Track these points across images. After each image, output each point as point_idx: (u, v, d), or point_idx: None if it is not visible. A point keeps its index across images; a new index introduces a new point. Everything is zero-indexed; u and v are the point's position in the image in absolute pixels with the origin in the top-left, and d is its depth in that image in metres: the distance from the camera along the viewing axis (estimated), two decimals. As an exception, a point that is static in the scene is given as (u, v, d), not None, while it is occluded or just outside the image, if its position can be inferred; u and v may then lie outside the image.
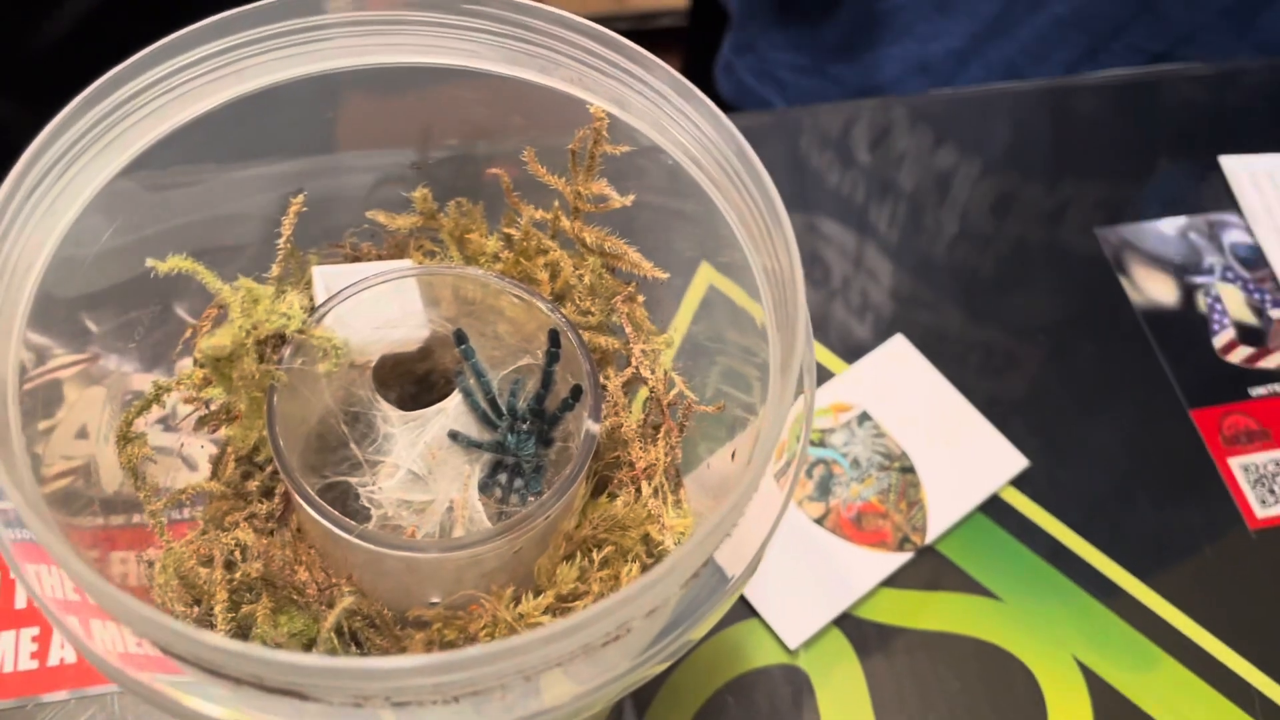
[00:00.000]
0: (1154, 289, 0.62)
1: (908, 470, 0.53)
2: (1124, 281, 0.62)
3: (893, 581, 0.52)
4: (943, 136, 0.67)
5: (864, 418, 0.54)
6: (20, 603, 0.48)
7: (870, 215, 0.63)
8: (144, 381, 0.42)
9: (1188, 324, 0.61)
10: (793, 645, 0.49)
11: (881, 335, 0.58)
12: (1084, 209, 0.65)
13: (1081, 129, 0.69)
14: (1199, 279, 0.63)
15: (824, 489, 0.52)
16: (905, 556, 0.51)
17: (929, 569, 0.52)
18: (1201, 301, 0.62)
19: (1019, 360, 0.59)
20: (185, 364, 0.42)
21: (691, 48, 1.00)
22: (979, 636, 0.52)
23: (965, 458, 0.54)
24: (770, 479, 0.30)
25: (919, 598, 0.52)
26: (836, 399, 0.55)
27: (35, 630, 0.48)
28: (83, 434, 0.39)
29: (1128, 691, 0.50)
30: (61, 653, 0.48)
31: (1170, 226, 0.65)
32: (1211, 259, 0.64)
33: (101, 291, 0.37)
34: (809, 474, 0.52)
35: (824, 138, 0.66)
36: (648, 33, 1.14)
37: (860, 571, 0.51)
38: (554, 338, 0.34)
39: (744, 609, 0.50)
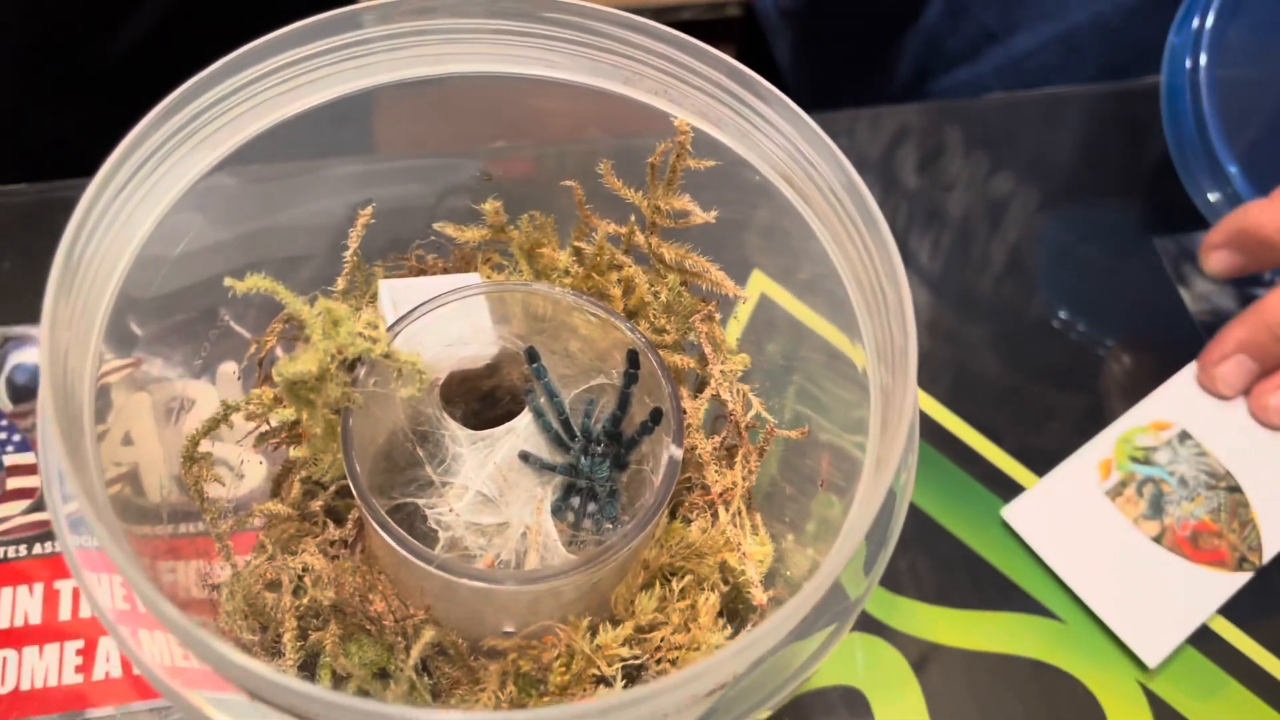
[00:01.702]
0: (1214, 300, 0.61)
1: (1234, 490, 0.53)
2: (1184, 293, 0.61)
3: (951, 601, 0.51)
4: (995, 141, 0.65)
5: (1184, 436, 0.54)
6: (65, 615, 0.48)
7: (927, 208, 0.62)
8: (187, 387, 0.41)
9: (1249, 337, 0.60)
10: (1151, 663, 0.49)
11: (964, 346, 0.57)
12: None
13: (1137, 134, 0.68)
14: (1259, 290, 0.61)
15: (1156, 507, 0.52)
16: (1245, 576, 0.51)
17: (985, 588, 0.51)
18: (1263, 314, 0.61)
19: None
20: (225, 368, 0.41)
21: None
22: (1040, 658, 0.50)
23: None
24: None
25: (976, 617, 0.51)
26: (1155, 417, 0.55)
27: (80, 643, 0.47)
28: (128, 440, 0.38)
29: (1193, 717, 0.49)
30: (106, 666, 0.47)
31: (1229, 236, 0.63)
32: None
33: (155, 298, 0.36)
34: (1140, 492, 0.53)
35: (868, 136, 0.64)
36: (711, 23, 1.12)
37: (1204, 589, 0.51)
38: (633, 358, 0.33)
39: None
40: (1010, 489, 0.54)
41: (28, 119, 0.63)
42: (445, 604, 0.32)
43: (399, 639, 0.30)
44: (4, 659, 0.46)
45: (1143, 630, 0.50)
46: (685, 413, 0.34)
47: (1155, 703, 0.49)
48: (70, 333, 0.28)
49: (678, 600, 0.33)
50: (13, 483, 0.51)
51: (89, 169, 0.30)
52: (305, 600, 0.32)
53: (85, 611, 0.48)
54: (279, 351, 0.36)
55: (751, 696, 0.27)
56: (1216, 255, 0.58)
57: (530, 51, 0.33)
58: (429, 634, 0.29)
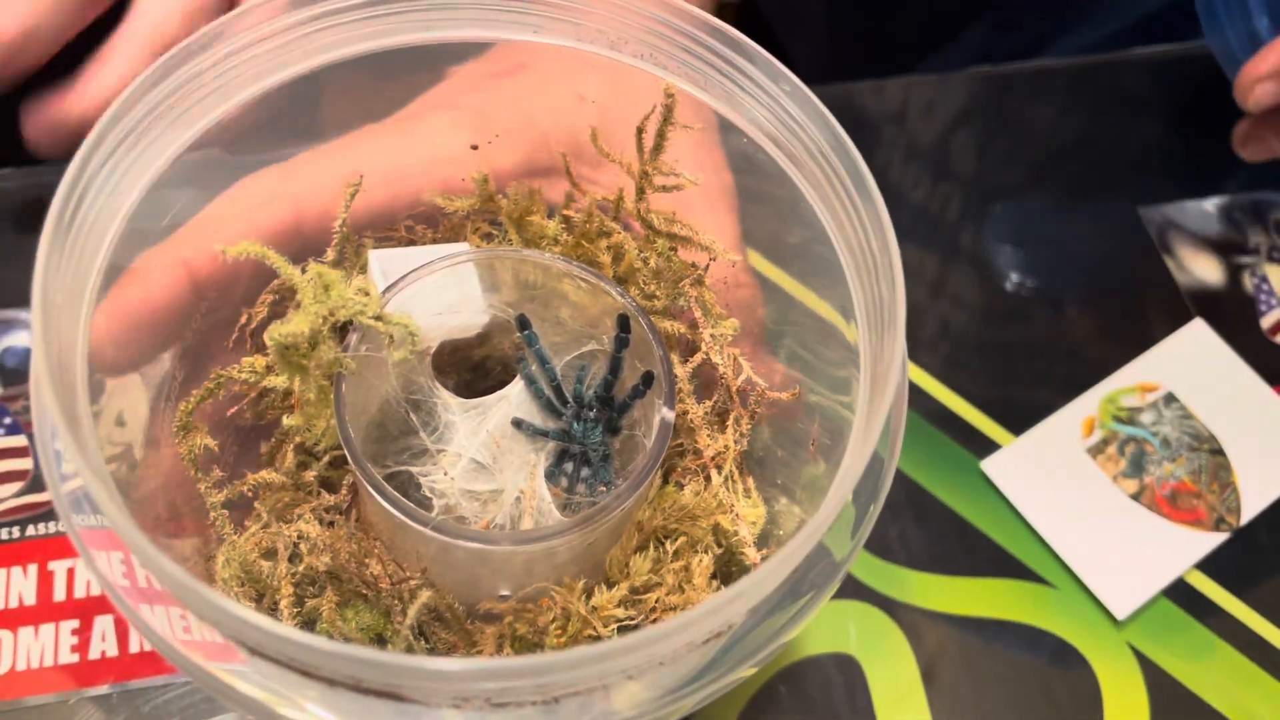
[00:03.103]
0: (1200, 270, 0.61)
1: (1217, 452, 0.54)
2: (1169, 262, 0.61)
3: (943, 568, 0.52)
4: (981, 111, 0.66)
5: (1170, 398, 0.55)
6: (60, 595, 0.48)
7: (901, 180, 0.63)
8: (184, 367, 0.41)
9: (1235, 304, 0.60)
10: (1120, 615, 0.50)
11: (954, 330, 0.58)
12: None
13: (1125, 105, 0.68)
14: (1245, 258, 0.62)
15: (1137, 466, 0.53)
16: (1222, 536, 0.52)
17: (976, 556, 0.52)
18: (1248, 282, 0.61)
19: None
20: (218, 347, 0.41)
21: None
22: (1031, 623, 0.51)
23: (1270, 442, 0.55)
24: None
25: (968, 584, 0.52)
26: (1142, 379, 0.56)
27: (75, 623, 0.47)
28: (120, 421, 0.38)
29: (1183, 678, 0.50)
30: (102, 645, 0.47)
31: (1213, 205, 0.64)
32: (1257, 239, 0.63)
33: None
34: (1121, 450, 0.53)
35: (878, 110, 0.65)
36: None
37: (1180, 548, 0.52)
38: (623, 323, 0.33)
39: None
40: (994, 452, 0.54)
41: (13, 102, 0.63)
42: (441, 568, 0.32)
43: (395, 602, 0.31)
44: (-1, 640, 0.46)
45: (1114, 584, 0.51)
46: (677, 377, 0.35)
47: (1144, 663, 0.50)
48: (62, 303, 0.28)
49: (671, 562, 0.33)
50: (4, 465, 0.50)
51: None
52: (301, 567, 0.32)
53: (80, 592, 0.48)
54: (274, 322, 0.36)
55: (743, 649, 0.27)
56: (1263, 88, 0.58)
57: (514, 17, 0.33)
58: (425, 595, 0.29)
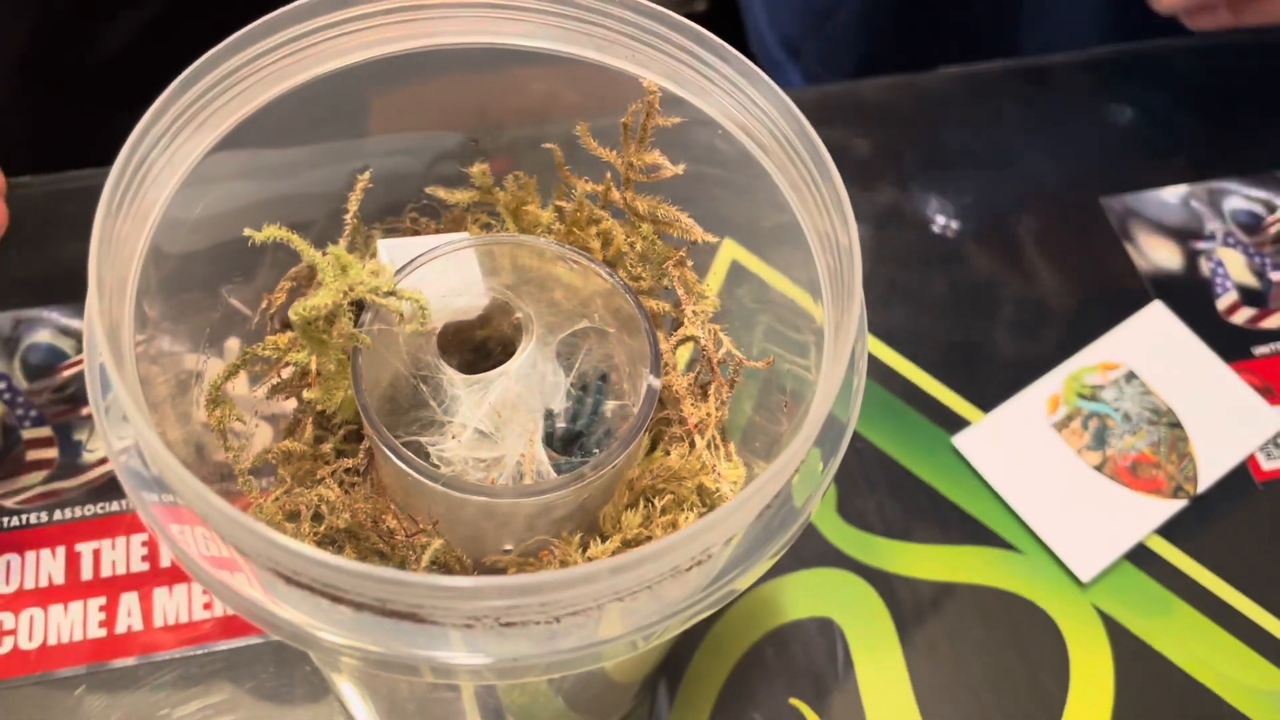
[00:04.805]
0: (1159, 255, 0.65)
1: (1175, 425, 0.57)
2: (1130, 249, 0.65)
3: (917, 537, 0.55)
4: (949, 105, 0.69)
5: (1131, 376, 0.59)
6: (87, 575, 0.51)
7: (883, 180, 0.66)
8: (196, 361, 0.44)
9: (1192, 288, 0.64)
10: (1085, 578, 0.54)
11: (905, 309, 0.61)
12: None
13: (1088, 99, 0.72)
14: (1201, 244, 0.65)
15: (1100, 439, 0.57)
16: (1180, 503, 0.56)
17: (949, 525, 0.55)
18: (1204, 266, 0.65)
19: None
20: (231, 344, 0.44)
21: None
22: (1001, 587, 0.54)
23: (1224, 415, 0.58)
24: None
25: (941, 551, 0.55)
26: (1104, 358, 0.60)
27: (102, 600, 0.50)
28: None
29: (1145, 636, 0.53)
30: (129, 620, 0.50)
31: (1172, 194, 0.67)
32: (1213, 225, 0.66)
33: (173, 262, 0.39)
34: (1085, 425, 0.57)
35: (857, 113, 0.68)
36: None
37: (1140, 515, 0.55)
38: (604, 377, 0.37)
39: (800, 561, 0.53)
40: (965, 428, 0.58)
41: (33, 113, 0.66)
42: (450, 524, 0.35)
43: (410, 553, 0.34)
44: (31, 617, 0.49)
45: (1079, 549, 0.54)
46: (661, 349, 0.38)
47: (1108, 623, 0.53)
48: (112, 282, 0.31)
49: (660, 516, 0.36)
50: (31, 454, 0.54)
51: (98, 161, 0.32)
52: (323, 528, 0.35)
53: (106, 571, 0.51)
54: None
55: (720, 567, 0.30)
56: None
57: (508, 26, 0.37)
58: (438, 542, 0.32)
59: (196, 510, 0.27)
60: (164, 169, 0.32)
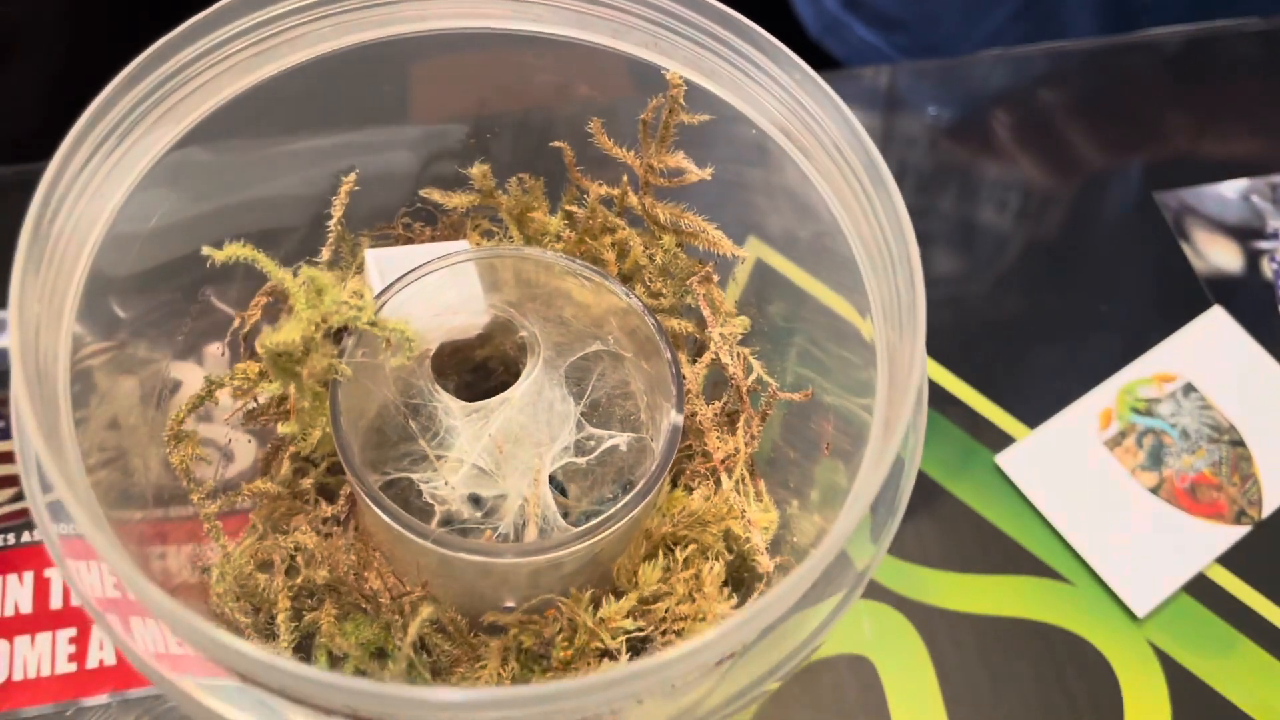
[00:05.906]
0: (1218, 256, 0.60)
1: (1238, 444, 0.52)
2: (1186, 249, 0.60)
3: (958, 566, 0.50)
4: (995, 97, 0.65)
5: (1189, 388, 0.54)
6: (56, 603, 0.47)
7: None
8: (179, 369, 0.40)
9: (1254, 291, 0.59)
10: (1140, 612, 0.49)
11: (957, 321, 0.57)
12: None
13: (1139, 88, 0.67)
14: (1264, 244, 0.61)
15: (1155, 459, 0.52)
16: (1242, 530, 0.51)
17: (990, 552, 0.51)
18: (1267, 268, 0.60)
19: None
20: (212, 349, 0.40)
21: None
22: (1049, 621, 0.50)
23: None
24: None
25: (983, 581, 0.51)
26: (1159, 369, 0.55)
27: (73, 631, 0.46)
28: (114, 425, 0.37)
29: (1206, 676, 0.49)
30: (101, 654, 0.46)
31: (1231, 189, 0.63)
32: (1276, 223, 0.61)
33: (131, 275, 0.35)
34: (1139, 443, 0.52)
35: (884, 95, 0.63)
36: None
37: (1199, 542, 0.51)
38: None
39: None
40: (1009, 446, 0.53)
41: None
42: (443, 580, 0.31)
43: (396, 617, 0.29)
44: (-5, 650, 0.46)
45: (1133, 580, 0.50)
46: (685, 378, 0.33)
47: (1165, 661, 0.49)
48: (41, 311, 0.27)
49: (682, 570, 0.32)
50: (-2, 470, 0.50)
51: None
52: (299, 580, 0.31)
53: (78, 599, 0.47)
54: (265, 327, 0.35)
55: (759, 667, 0.26)
56: None
57: (511, 7, 0.32)
58: (426, 610, 0.28)
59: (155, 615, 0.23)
60: (111, 173, 0.28)
